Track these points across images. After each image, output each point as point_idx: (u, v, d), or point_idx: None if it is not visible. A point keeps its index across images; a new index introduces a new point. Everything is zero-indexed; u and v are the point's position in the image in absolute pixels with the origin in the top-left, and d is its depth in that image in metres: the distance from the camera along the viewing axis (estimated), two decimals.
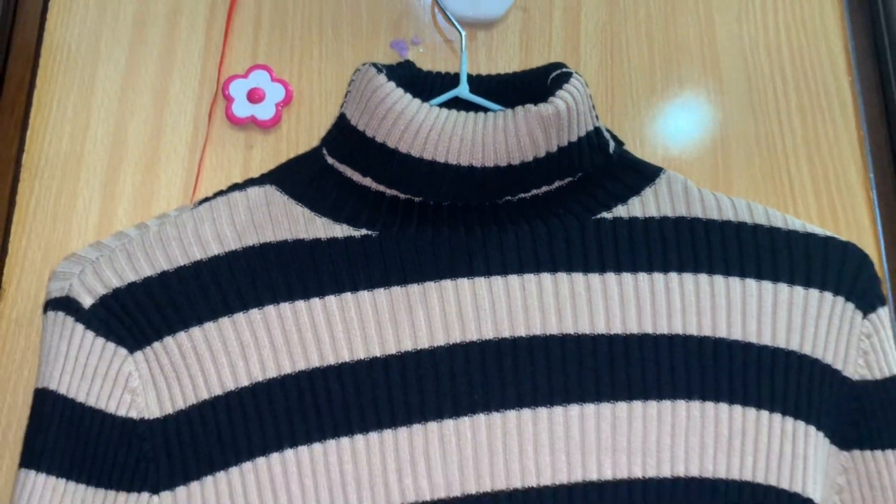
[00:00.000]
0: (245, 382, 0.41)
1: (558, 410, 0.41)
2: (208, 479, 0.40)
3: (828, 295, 0.44)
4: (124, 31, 0.51)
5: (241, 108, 0.50)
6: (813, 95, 0.52)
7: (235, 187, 0.46)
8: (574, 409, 0.41)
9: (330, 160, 0.46)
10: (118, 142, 0.49)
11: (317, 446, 0.41)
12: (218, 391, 0.41)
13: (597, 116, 0.46)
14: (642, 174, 0.46)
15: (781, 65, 0.53)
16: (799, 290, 0.44)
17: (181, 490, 0.40)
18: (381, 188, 0.45)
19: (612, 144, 0.47)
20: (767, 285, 0.44)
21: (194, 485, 0.40)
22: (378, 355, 0.42)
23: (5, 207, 0.48)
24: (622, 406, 0.41)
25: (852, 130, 0.51)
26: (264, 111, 0.50)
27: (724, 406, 0.41)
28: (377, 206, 0.45)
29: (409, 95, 0.43)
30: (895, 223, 0.50)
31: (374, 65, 0.45)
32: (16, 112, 0.51)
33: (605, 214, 0.45)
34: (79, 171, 0.48)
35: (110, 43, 0.51)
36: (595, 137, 0.45)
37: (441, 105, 0.47)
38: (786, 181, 0.50)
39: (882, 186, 0.51)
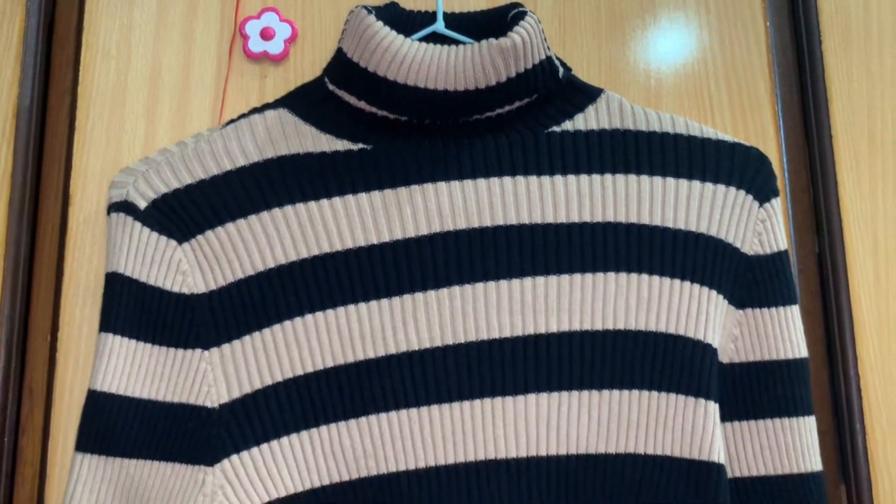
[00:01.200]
0: (271, 265, 0.53)
1: (515, 282, 0.53)
2: (246, 338, 0.52)
3: (732, 189, 0.55)
4: None
5: (256, 45, 0.60)
6: (732, 26, 0.62)
7: (254, 111, 0.57)
8: (528, 281, 0.53)
9: (331, 87, 0.56)
10: (155, 74, 0.59)
11: (329, 312, 0.52)
12: (250, 272, 0.53)
13: (548, 47, 0.56)
14: (586, 95, 0.57)
15: (707, 3, 0.63)
16: (709, 186, 0.55)
17: (225, 347, 0.52)
18: (374, 110, 0.55)
19: (561, 70, 0.57)
20: (683, 182, 0.55)
21: (235, 343, 0.52)
22: (375, 243, 0.53)
23: (66, 130, 0.59)
24: (565, 277, 0.53)
25: (763, 54, 0.62)
26: (275, 47, 0.60)
27: (644, 276, 0.53)
28: (370, 124, 0.55)
29: (394, 32, 0.53)
30: (796, 132, 0.61)
31: (365, 7, 0.55)
32: (66, 50, 0.61)
33: (555, 128, 0.56)
34: (124, 100, 0.59)
35: None
36: (547, 65, 0.56)
37: (421, 39, 0.57)
38: (706, 98, 0.61)
39: (787, 101, 0.61)
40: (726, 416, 0.53)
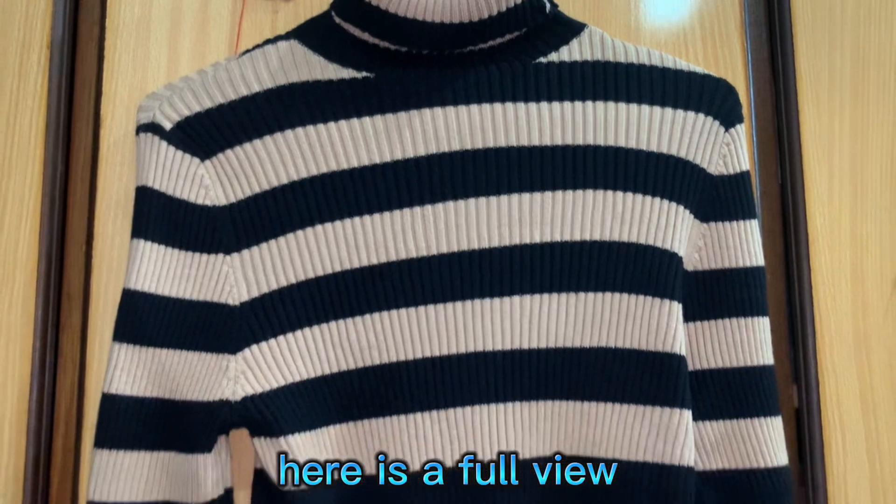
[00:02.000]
0: (284, 181, 0.59)
1: (503, 198, 0.59)
2: (263, 245, 0.58)
3: (700, 115, 0.61)
4: None
5: None
6: None
7: (267, 42, 0.62)
8: (514, 197, 0.59)
9: (337, 20, 0.62)
10: (176, 9, 0.65)
11: (337, 223, 0.58)
12: (266, 187, 0.59)
13: None
14: (570, 29, 0.62)
15: None
16: (680, 112, 0.60)
17: (245, 252, 0.58)
18: (376, 41, 0.60)
19: (548, 6, 0.62)
20: (657, 109, 0.61)
21: (253, 249, 0.58)
22: (377, 162, 0.59)
23: (95, 60, 0.64)
24: (548, 194, 0.59)
25: None
26: None
27: (619, 193, 0.59)
28: (373, 55, 0.60)
29: None
30: (763, 66, 0.67)
31: None
32: None
33: (542, 59, 0.61)
34: (149, 32, 0.64)
35: None
36: (535, 1, 0.61)
37: None
38: (681, 34, 0.66)
39: (755, 37, 0.66)
40: (689, 317, 0.60)
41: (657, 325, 0.57)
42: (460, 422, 0.57)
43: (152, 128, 0.59)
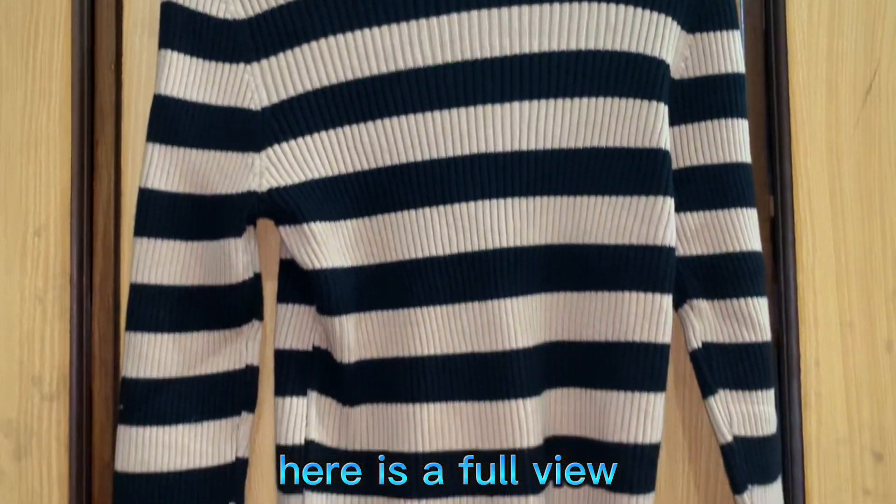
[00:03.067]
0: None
1: (504, 9, 0.61)
2: (280, 55, 0.62)
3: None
4: None
5: None
6: None
7: None
8: (514, 8, 0.62)
9: None
10: None
11: (348, 34, 0.62)
12: (282, 0, 0.63)
13: None
14: None
15: None
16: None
17: (264, 61, 0.62)
18: None
19: None
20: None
21: (272, 58, 0.62)
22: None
23: None
24: (546, 6, 0.62)
25: None
26: None
27: (612, 5, 0.62)
28: None
29: None
30: None
31: None
32: None
33: None
34: None
35: None
36: None
37: None
38: None
39: None
40: (674, 121, 0.65)
41: (645, 124, 0.62)
42: (464, 215, 0.63)
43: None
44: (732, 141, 0.64)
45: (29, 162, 0.66)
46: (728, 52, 0.65)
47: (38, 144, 0.66)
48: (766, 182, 0.70)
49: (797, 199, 0.69)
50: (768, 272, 0.69)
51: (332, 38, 0.63)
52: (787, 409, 0.67)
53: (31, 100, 0.66)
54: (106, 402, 0.66)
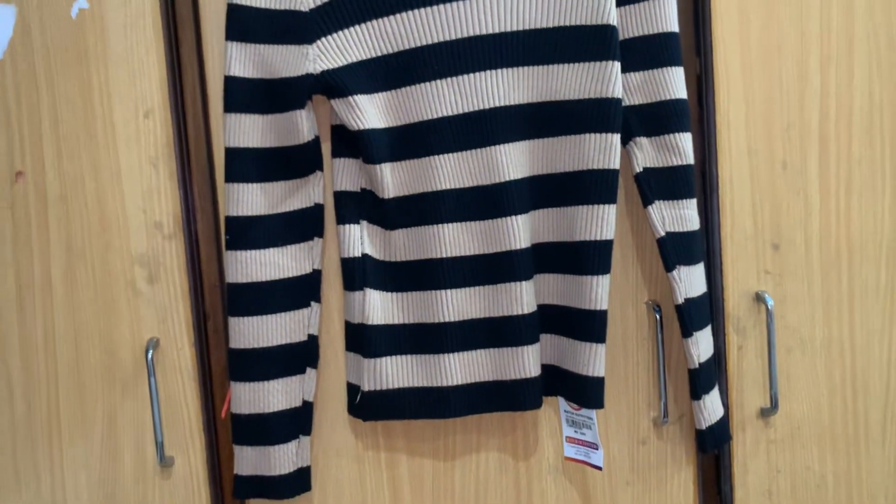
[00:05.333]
0: None
1: None
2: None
3: None
4: None
5: None
6: None
7: None
8: None
9: None
10: None
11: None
12: None
13: None
14: None
15: None
16: None
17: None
18: None
19: None
20: None
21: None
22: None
23: None
24: None
25: None
26: None
27: None
28: None
29: None
30: None
31: None
32: None
33: None
34: None
35: None
36: None
37: None
38: None
39: None
40: (620, 3, 0.85)
41: (598, 7, 0.83)
42: (466, 83, 0.84)
43: None
44: (665, 16, 0.85)
45: (133, 63, 0.87)
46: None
47: (139, 49, 0.87)
48: (693, 47, 0.91)
49: (716, 59, 0.90)
50: (695, 115, 0.91)
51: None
52: (709, 215, 0.92)
53: (131, 17, 0.86)
54: (208, 239, 0.90)
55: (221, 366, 0.91)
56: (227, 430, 0.92)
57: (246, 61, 0.83)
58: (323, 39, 0.84)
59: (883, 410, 0.94)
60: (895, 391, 0.94)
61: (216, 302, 0.91)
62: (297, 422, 0.88)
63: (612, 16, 0.83)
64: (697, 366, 0.87)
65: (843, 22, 0.90)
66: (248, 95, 0.84)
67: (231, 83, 0.84)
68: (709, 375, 0.88)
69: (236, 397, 0.87)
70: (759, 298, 0.92)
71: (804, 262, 0.93)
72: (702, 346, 0.87)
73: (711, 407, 0.88)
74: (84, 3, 0.86)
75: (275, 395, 0.87)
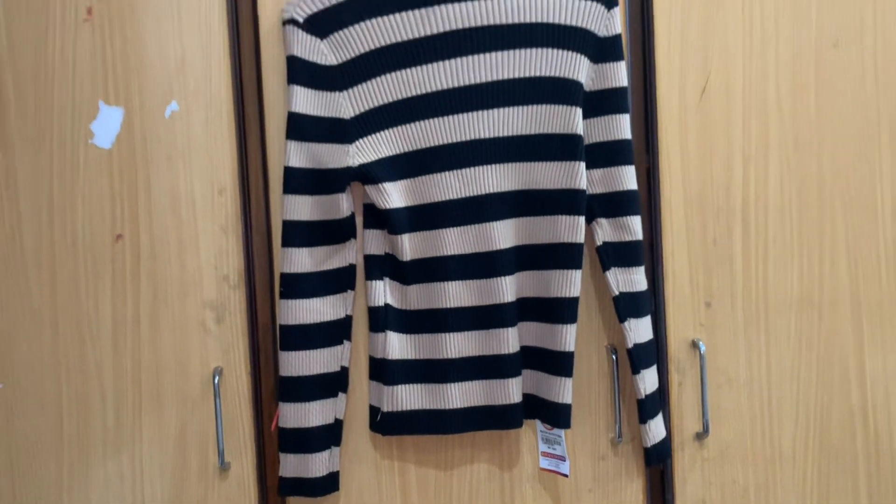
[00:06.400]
0: (369, 49, 1.08)
1: (490, 54, 1.08)
2: (360, 85, 1.08)
3: (594, 3, 1.09)
4: None
5: None
6: None
7: None
8: (491, 53, 1.08)
9: None
10: None
11: (400, 71, 1.08)
12: (358, 53, 1.08)
13: None
14: None
15: None
16: (585, 2, 1.09)
17: (350, 90, 1.08)
18: None
19: None
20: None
21: (355, 87, 1.08)
22: (421, 35, 1.08)
23: None
24: (508, 51, 1.08)
25: None
26: None
27: (547, 49, 1.09)
28: None
29: None
30: None
31: None
32: None
33: None
34: None
35: None
36: None
37: None
38: None
39: None
40: (587, 116, 1.11)
41: (569, 119, 1.09)
42: (468, 175, 1.10)
43: (292, 20, 1.08)
44: (620, 127, 1.11)
45: (212, 151, 1.12)
46: (618, 75, 1.11)
47: (216, 141, 1.12)
48: (644, 148, 1.17)
49: (661, 158, 1.16)
50: (644, 201, 1.17)
51: (389, 75, 1.09)
52: (655, 279, 1.17)
53: (211, 117, 1.12)
54: (264, 290, 1.15)
55: (270, 390, 1.15)
56: (272, 442, 1.15)
57: (301, 155, 1.09)
58: (360, 140, 1.09)
59: (793, 436, 1.19)
60: (803, 420, 1.19)
61: (267, 339, 1.15)
62: (330, 435, 1.12)
63: (580, 127, 1.09)
64: (644, 397, 1.11)
65: (760, 130, 1.17)
66: (302, 181, 1.09)
67: (289, 172, 1.09)
68: (653, 404, 1.13)
69: (283, 415, 1.10)
70: (694, 345, 1.17)
71: (730, 316, 1.18)
72: (647, 381, 1.12)
73: (655, 430, 1.12)
74: (175, 106, 1.12)
75: (314, 414, 1.11)
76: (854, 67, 1.17)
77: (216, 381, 1.11)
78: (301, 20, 1.08)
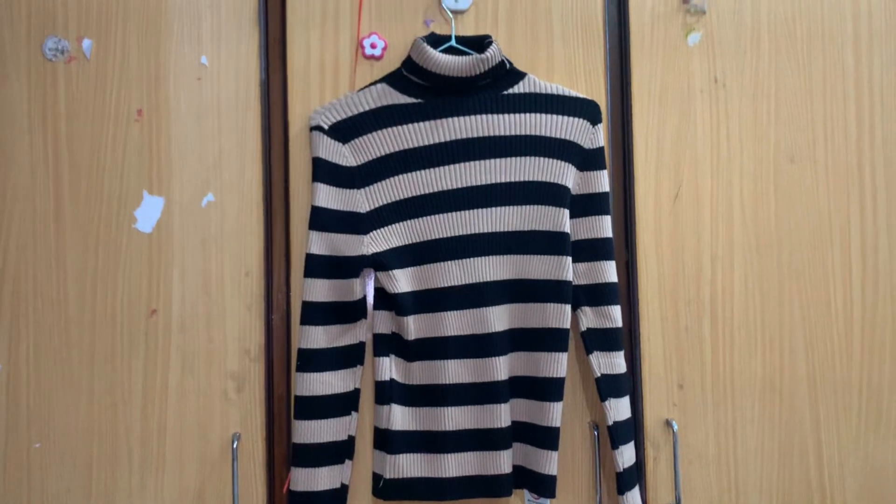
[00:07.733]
0: (383, 154, 1.23)
1: (488, 161, 1.24)
2: (374, 184, 1.23)
3: (580, 119, 1.26)
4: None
5: (368, 51, 1.28)
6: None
7: (371, 84, 1.25)
8: (492, 160, 1.24)
9: (405, 73, 1.25)
10: (323, 67, 1.27)
11: (409, 173, 1.23)
12: (374, 157, 1.23)
13: (501, 52, 1.25)
14: (519, 75, 1.27)
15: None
16: (571, 118, 1.25)
17: (366, 188, 1.23)
18: (423, 83, 1.24)
19: (508, 64, 1.26)
20: (560, 116, 1.26)
21: (371, 186, 1.23)
22: (429, 144, 1.24)
23: (282, 95, 1.27)
24: (508, 159, 1.24)
25: (601, 52, 1.31)
26: (377, 52, 1.28)
27: (540, 157, 1.25)
28: (423, 90, 1.24)
29: (432, 49, 1.22)
30: (615, 93, 1.32)
31: (420, 38, 1.23)
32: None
33: (504, 92, 1.26)
34: (308, 81, 1.27)
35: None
36: (501, 63, 1.25)
37: (444, 50, 1.26)
38: (577, 68, 1.31)
39: (613, 69, 1.31)
40: (573, 216, 1.26)
41: (558, 219, 1.24)
42: (468, 264, 1.24)
43: (318, 127, 1.24)
44: (602, 227, 1.26)
45: (242, 238, 1.26)
46: (601, 181, 1.27)
47: (246, 229, 1.26)
48: (624, 244, 1.32)
49: (639, 254, 1.31)
50: (624, 292, 1.31)
51: (401, 176, 1.24)
52: (633, 362, 1.30)
53: (243, 207, 1.26)
54: (280, 363, 1.27)
55: (283, 455, 1.26)
56: (283, 503, 1.26)
57: (321, 244, 1.23)
58: (374, 232, 1.24)
59: None
60: (766, 495, 1.30)
61: (282, 409, 1.27)
62: (336, 499, 1.22)
63: (567, 226, 1.24)
64: (622, 470, 1.23)
65: (726, 232, 1.32)
66: (321, 267, 1.23)
67: (310, 258, 1.23)
68: (631, 477, 1.24)
69: (294, 478, 1.21)
70: (668, 423, 1.29)
71: (701, 398, 1.30)
72: (626, 456, 1.24)
73: (633, 500, 1.23)
74: (211, 197, 1.26)
75: (322, 478, 1.21)
76: (808, 179, 1.34)
77: (234, 445, 1.22)
78: (326, 127, 1.24)
